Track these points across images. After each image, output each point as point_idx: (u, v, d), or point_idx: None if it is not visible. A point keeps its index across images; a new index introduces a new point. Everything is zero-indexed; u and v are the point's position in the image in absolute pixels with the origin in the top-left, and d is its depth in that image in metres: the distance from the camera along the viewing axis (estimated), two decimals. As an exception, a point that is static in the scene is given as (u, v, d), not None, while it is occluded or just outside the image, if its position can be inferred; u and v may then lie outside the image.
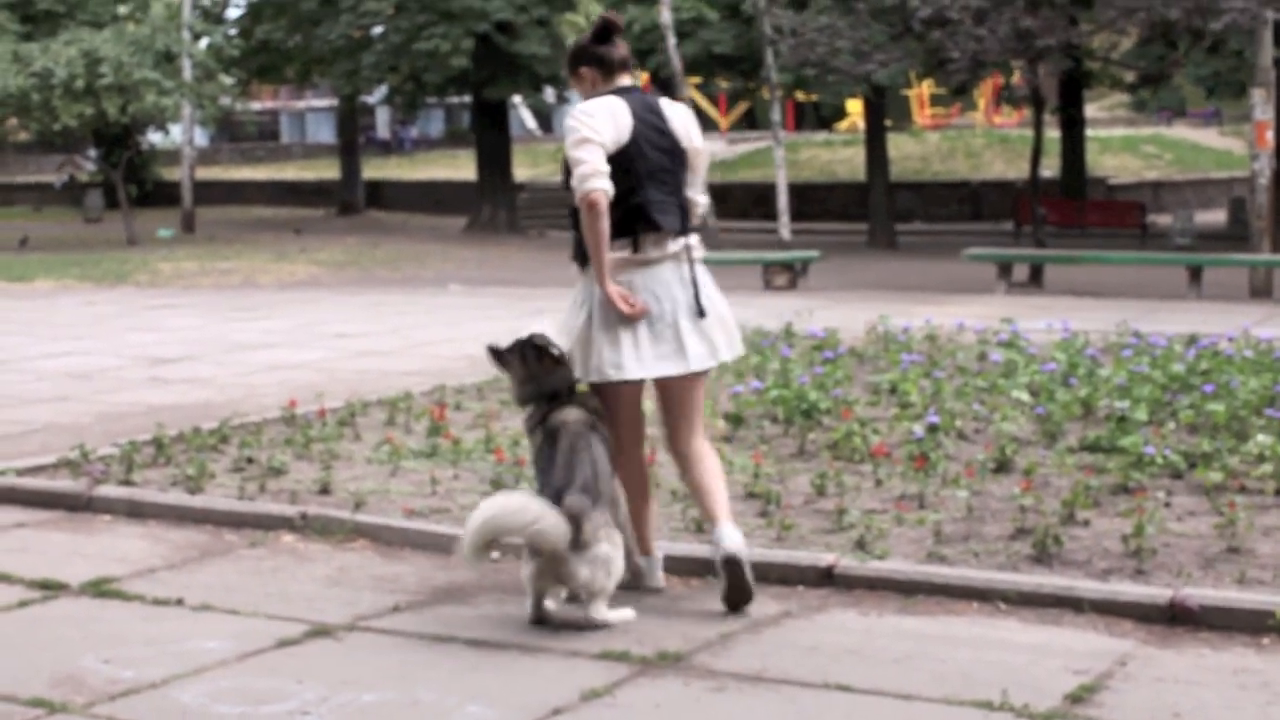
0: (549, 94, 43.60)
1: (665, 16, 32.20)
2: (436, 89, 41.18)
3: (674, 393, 6.73)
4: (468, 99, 44.44)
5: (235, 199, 52.71)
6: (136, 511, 8.36)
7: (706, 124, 50.82)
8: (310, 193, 53.11)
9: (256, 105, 73.07)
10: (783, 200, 30.86)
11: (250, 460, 9.32)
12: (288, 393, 12.05)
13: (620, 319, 6.49)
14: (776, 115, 32.40)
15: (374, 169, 55.10)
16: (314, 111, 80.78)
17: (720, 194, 36.38)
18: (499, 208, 40.92)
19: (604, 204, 6.40)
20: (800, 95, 45.42)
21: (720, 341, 6.69)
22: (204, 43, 38.72)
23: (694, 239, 6.71)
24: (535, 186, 47.33)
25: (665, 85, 34.17)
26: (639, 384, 6.67)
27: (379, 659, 6.04)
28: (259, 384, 13.41)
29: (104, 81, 33.26)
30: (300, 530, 7.90)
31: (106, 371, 14.53)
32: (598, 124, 6.50)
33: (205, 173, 47.27)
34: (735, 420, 10.33)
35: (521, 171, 45.33)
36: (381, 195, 51.26)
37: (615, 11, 8.08)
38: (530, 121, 65.91)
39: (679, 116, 6.77)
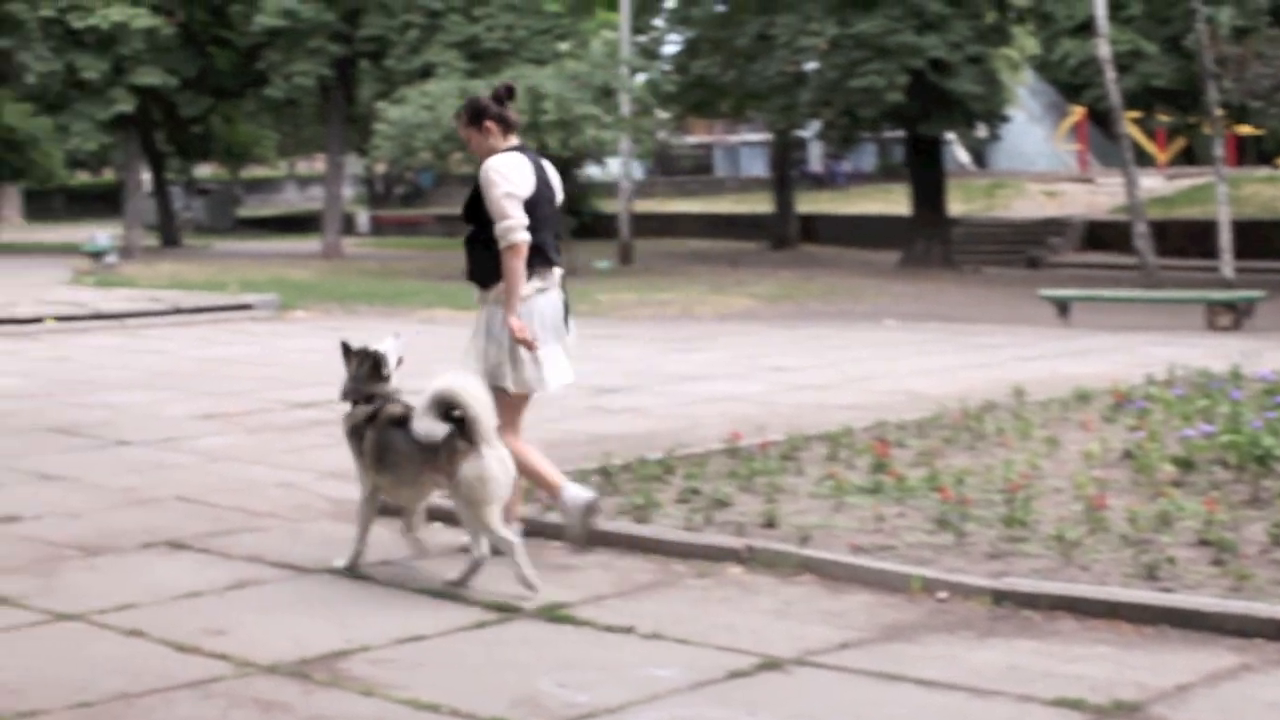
0: (982, 130, 43.07)
1: (1104, 50, 31.48)
2: (870, 124, 41.13)
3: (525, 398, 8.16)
4: (901, 134, 44.27)
5: (670, 231, 53.53)
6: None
7: (1144, 159, 49.23)
8: (744, 226, 53.57)
9: (691, 139, 74.13)
10: (1225, 237, 29.79)
11: (695, 491, 9.36)
12: (728, 424, 12.12)
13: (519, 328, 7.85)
14: (1219, 150, 31.32)
15: (807, 203, 55.26)
16: (747, 146, 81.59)
17: (1158, 231, 35.34)
18: (933, 243, 40.58)
19: (525, 250, 7.87)
20: (1243, 129, 43.84)
21: (569, 351, 8.25)
22: (641, 78, 39.45)
23: (561, 271, 8.24)
24: (969, 222, 46.78)
25: (1102, 119, 33.36)
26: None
27: (829, 695, 5.99)
28: (700, 415, 13.54)
29: (546, 117, 34.13)
30: (746, 563, 7.91)
31: (549, 399, 14.75)
32: (516, 180, 7.94)
33: (640, 205, 48.14)
34: (1185, 465, 9.94)
35: (955, 207, 44.87)
36: (814, 229, 51.39)
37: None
38: (963, 157, 65.28)
39: (554, 172, 8.34)
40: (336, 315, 26.10)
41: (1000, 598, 7.15)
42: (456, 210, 65.60)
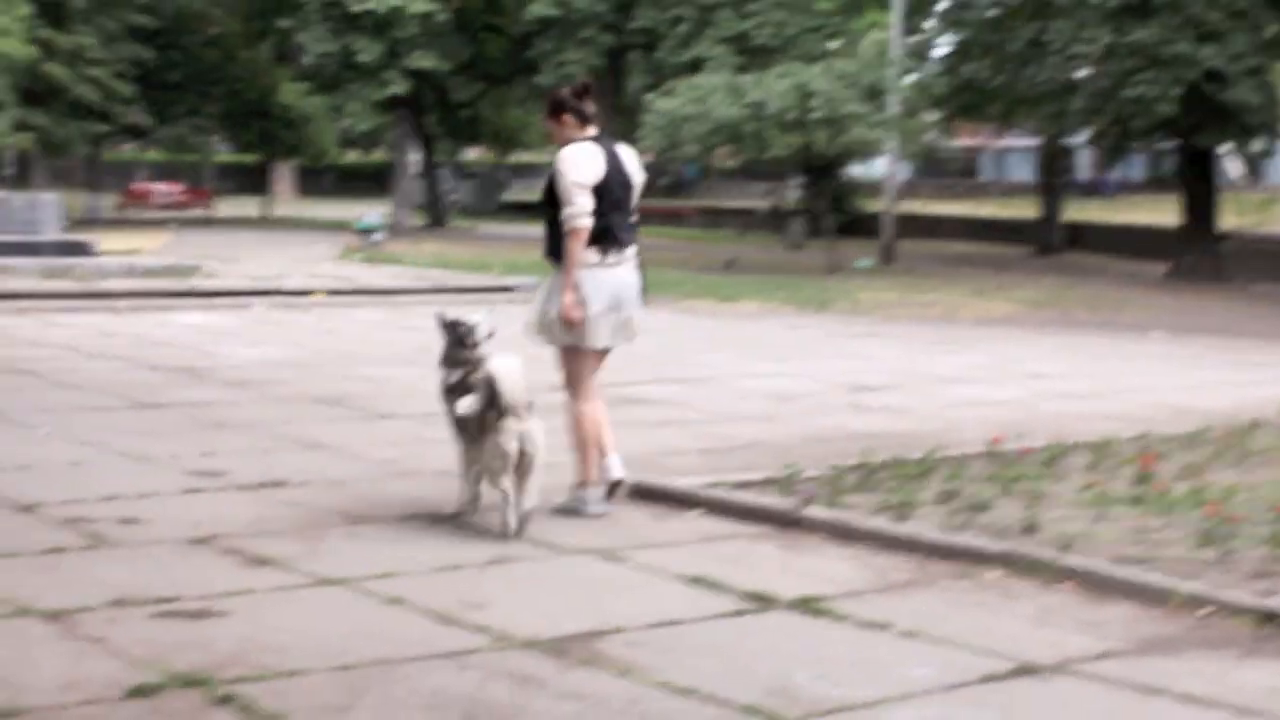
0: (1258, 143, 41.88)
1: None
2: (1142, 135, 40.27)
3: (600, 358, 9.18)
4: (1172, 144, 43.28)
5: (932, 233, 53.02)
6: (844, 534, 8.46)
7: None
8: (1007, 231, 52.87)
9: (957, 142, 73.52)
10: None
11: (954, 493, 9.27)
12: (987, 428, 11.97)
13: (590, 305, 8.89)
14: None
15: (1073, 210, 54.39)
16: (1014, 151, 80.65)
17: None
18: (1202, 256, 39.60)
19: (585, 235, 8.76)
20: None
21: (636, 326, 9.22)
22: (910, 79, 39.12)
23: (635, 250, 9.05)
24: (1241, 237, 45.54)
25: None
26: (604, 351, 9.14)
27: (1087, 705, 5.89)
28: (959, 418, 13.40)
29: (815, 115, 34.05)
30: (1006, 567, 7.80)
31: (809, 394, 14.86)
32: (584, 168, 8.78)
33: (904, 206, 47.69)
34: None
35: (1226, 220, 43.73)
36: (1080, 237, 50.49)
37: None
38: (1237, 170, 63.70)
39: (631, 159, 9.08)
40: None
41: (1267, 618, 6.95)
42: (720, 204, 66.05)
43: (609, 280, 8.95)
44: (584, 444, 9.07)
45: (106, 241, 30.43)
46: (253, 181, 65.16)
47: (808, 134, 34.39)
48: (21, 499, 8.97)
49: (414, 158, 52.77)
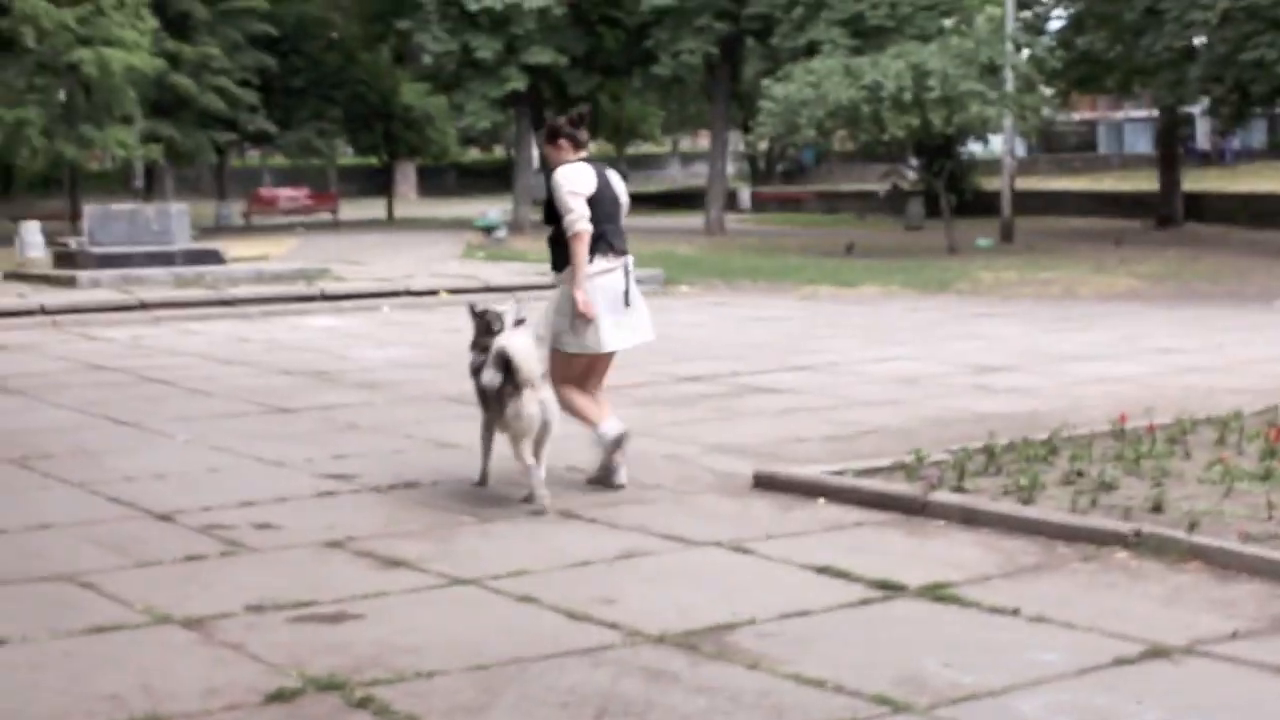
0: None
1: None
2: (1263, 100, 39.67)
3: (608, 361, 9.90)
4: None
5: (1052, 209, 52.57)
6: (970, 518, 8.47)
7: None
8: (1127, 204, 52.30)
9: (1074, 116, 72.81)
10: None
11: (1080, 474, 9.24)
12: (1112, 406, 11.92)
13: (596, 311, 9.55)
14: None
15: (1193, 180, 53.69)
16: (1131, 122, 79.77)
17: None
18: (1329, 222, 39.03)
19: (588, 237, 9.52)
20: None
21: (643, 327, 9.91)
22: (1025, 54, 38.81)
23: (630, 257, 9.88)
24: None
25: None
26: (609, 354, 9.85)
27: (1220, 686, 5.89)
28: (1083, 396, 13.36)
29: (931, 94, 33.86)
30: (1133, 548, 7.78)
31: (932, 377, 14.86)
32: (580, 182, 9.62)
33: (1022, 183, 47.32)
34: None
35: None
36: (1201, 207, 49.84)
37: None
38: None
39: (618, 181, 10.02)
40: (720, 291, 26.43)
41: (1402, 594, 6.91)
42: (838, 187, 65.89)
43: (604, 285, 9.68)
44: (576, 408, 9.72)
45: (235, 248, 30.96)
46: (376, 183, 65.77)
47: (924, 114, 34.19)
48: (159, 507, 9.20)
49: (533, 153, 53.05)
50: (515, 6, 43.08)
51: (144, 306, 21.79)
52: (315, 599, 7.15)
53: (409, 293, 24.16)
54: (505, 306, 9.88)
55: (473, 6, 43.33)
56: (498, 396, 9.23)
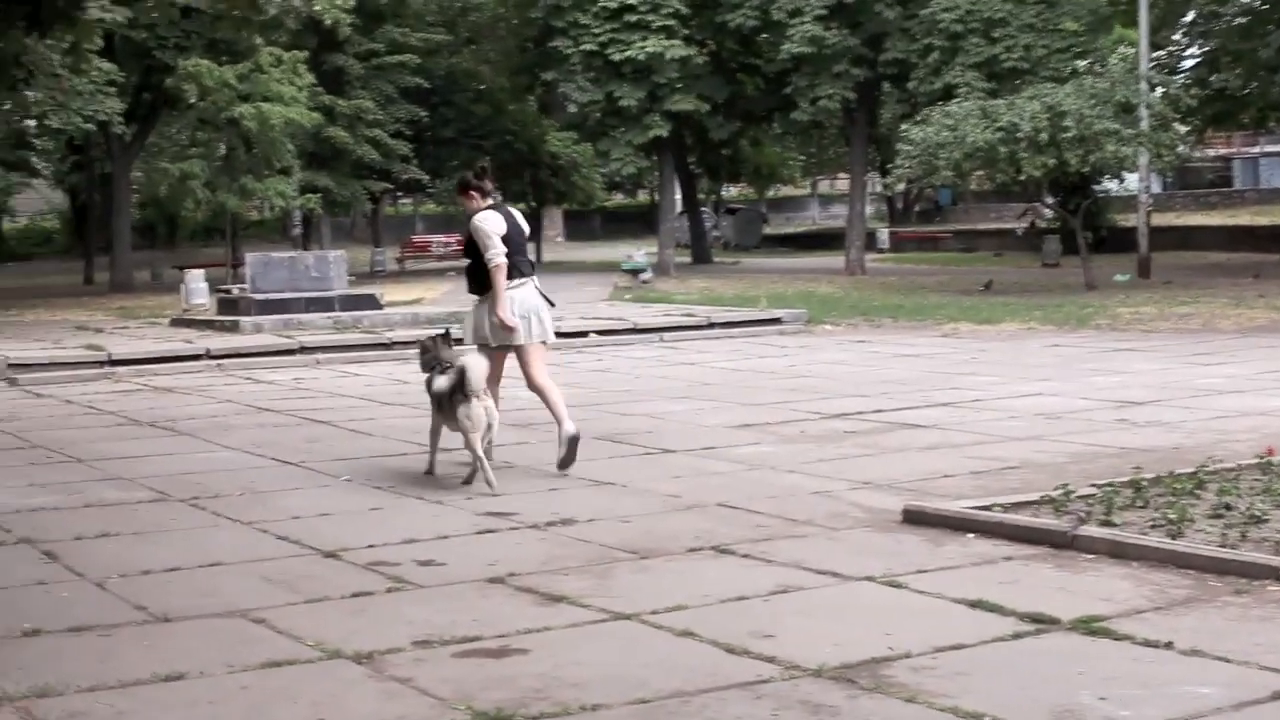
0: None
1: None
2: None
3: (524, 352, 12.34)
4: None
5: (1188, 244, 51.92)
6: (1118, 552, 8.52)
7: None
8: (1264, 238, 51.51)
9: (1209, 152, 72.00)
10: None
11: (1228, 507, 9.25)
12: (1258, 439, 11.92)
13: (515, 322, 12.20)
14: None
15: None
16: (1267, 157, 78.83)
17: None
18: None
19: (504, 268, 12.13)
20: None
21: (548, 328, 12.54)
22: (1159, 93, 38.55)
23: (535, 277, 12.52)
24: None
25: None
26: (512, 348, 12.38)
27: (1380, 720, 5.89)
28: (1227, 430, 13.33)
29: (1067, 134, 33.71)
30: (1286, 581, 7.81)
31: (1075, 412, 14.87)
32: (493, 224, 12.19)
33: (1158, 219, 46.79)
34: None
35: None
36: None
37: None
38: None
39: (520, 217, 12.60)
40: (862, 329, 26.50)
41: None
42: (975, 226, 65.58)
43: (517, 297, 12.28)
44: (552, 402, 12.31)
45: (391, 293, 31.49)
46: (524, 228, 66.48)
47: (1060, 153, 34.03)
48: (326, 545, 9.46)
49: (676, 197, 53.41)
50: (658, 56, 43.56)
51: (304, 350, 22.35)
52: (479, 634, 7.32)
53: (558, 334, 24.35)
54: (457, 329, 13.13)
55: (616, 57, 43.87)
56: (450, 401, 11.54)
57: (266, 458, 13.29)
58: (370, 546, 9.40)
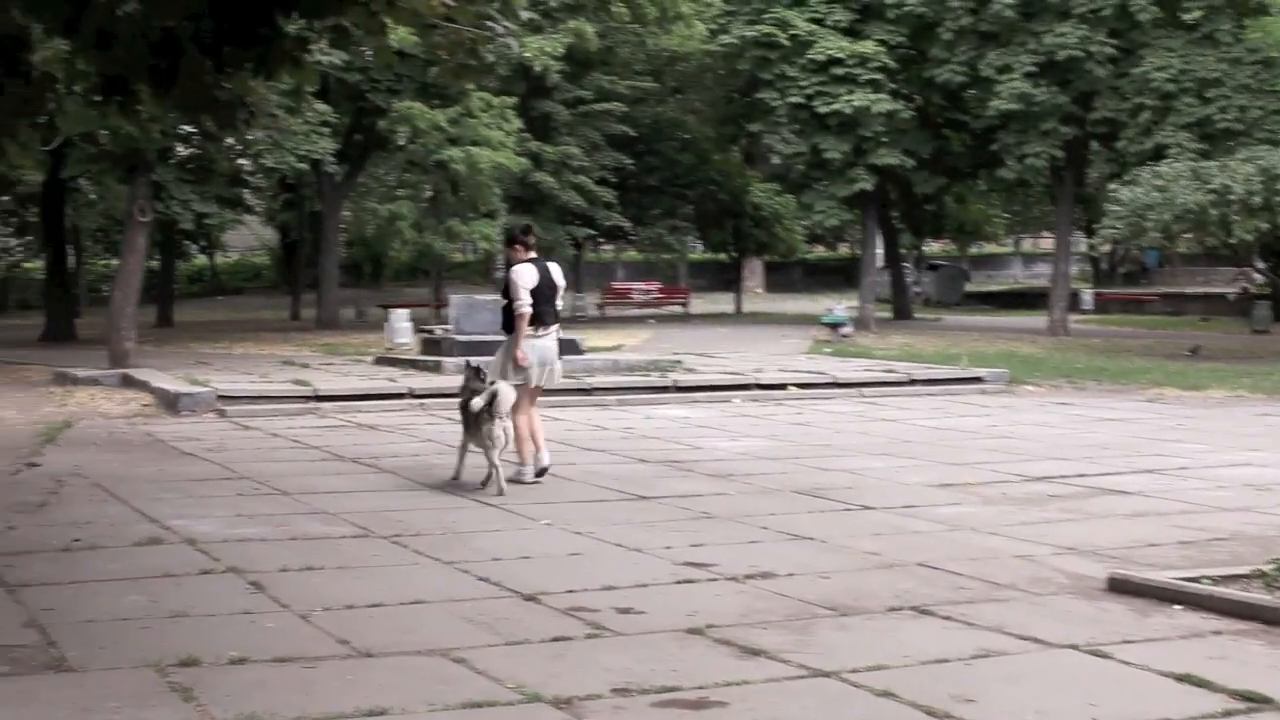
0: None
1: None
2: None
3: (535, 392, 14.61)
4: None
5: None
6: (1334, 631, 8.33)
7: None
8: None
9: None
10: None
11: None
12: None
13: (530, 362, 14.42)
14: None
15: None
16: None
17: None
18: None
19: (528, 316, 14.24)
20: None
21: (555, 378, 14.86)
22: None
23: (557, 326, 14.68)
24: None
25: None
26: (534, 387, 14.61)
27: None
28: None
29: (1280, 198, 33.11)
30: None
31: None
32: (526, 278, 14.27)
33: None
34: None
35: None
36: None
37: None
38: None
39: (556, 271, 14.69)
40: (1065, 391, 26.14)
41: None
42: (1182, 290, 64.38)
43: (538, 345, 14.46)
44: (521, 440, 14.22)
45: (592, 339, 31.69)
46: (724, 278, 66.57)
47: (1274, 217, 33.34)
48: (526, 588, 9.53)
49: (878, 251, 53.19)
50: (864, 110, 43.47)
51: (505, 393, 22.53)
52: (678, 684, 7.33)
53: (758, 386, 24.44)
54: (485, 362, 14.68)
55: (822, 109, 43.89)
56: (476, 421, 13.67)
57: (467, 498, 13.42)
58: (570, 591, 9.45)
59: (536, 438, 14.44)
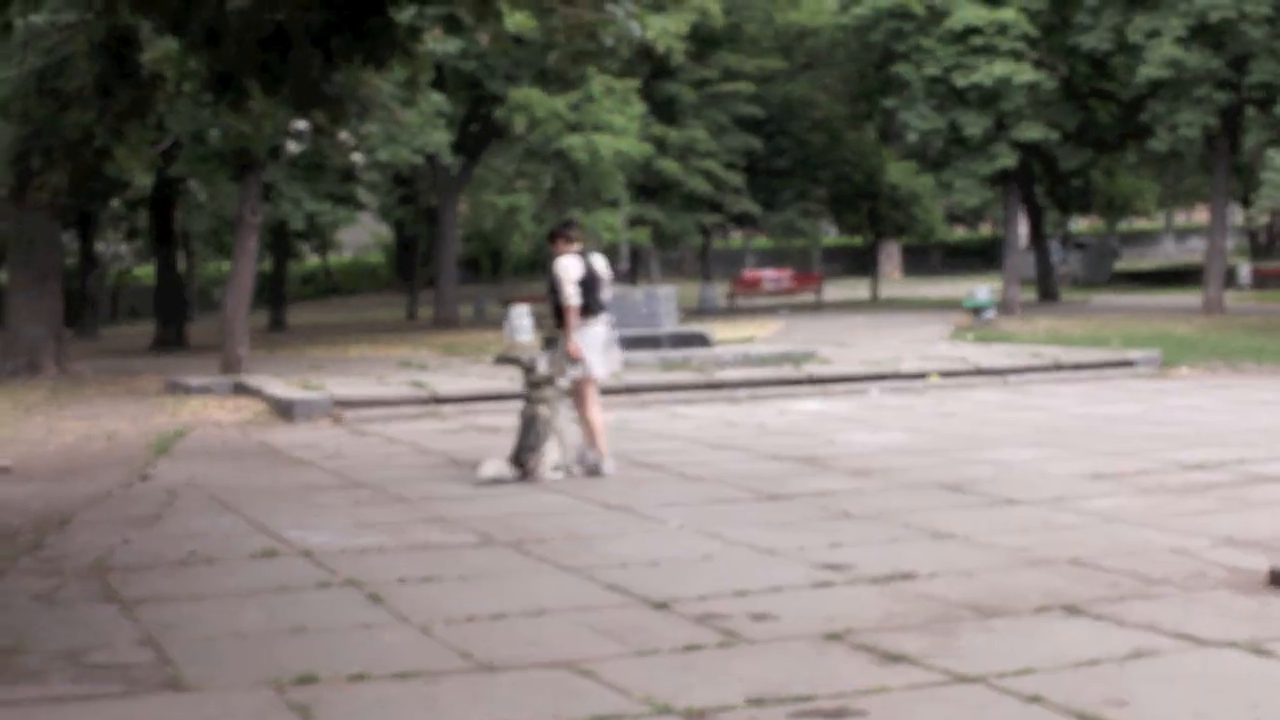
0: None
1: None
2: None
3: (580, 385, 14.73)
4: None
5: None
6: None
7: None
8: None
9: None
10: None
11: None
12: None
13: (584, 349, 14.71)
14: None
15: None
16: None
17: None
18: None
19: (576, 308, 14.56)
20: None
21: (615, 361, 15.22)
22: None
23: (608, 313, 14.92)
24: None
25: None
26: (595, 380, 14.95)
27: None
28: None
29: None
30: None
31: None
32: (573, 271, 14.59)
33: None
34: None
35: None
36: None
37: None
38: None
39: (601, 262, 14.95)
40: (1222, 373, 25.43)
41: None
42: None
43: (590, 333, 14.74)
44: (596, 432, 14.69)
45: (721, 331, 31.36)
46: (859, 263, 65.99)
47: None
48: (655, 595, 9.23)
49: (1022, 231, 52.27)
50: (1004, 81, 42.56)
51: (630, 390, 22.09)
52: (815, 693, 7.05)
53: (897, 375, 23.96)
54: (539, 358, 14.95)
55: (961, 83, 43.05)
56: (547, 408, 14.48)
57: (592, 501, 13.15)
58: (701, 598, 9.14)
59: (596, 435, 14.76)
